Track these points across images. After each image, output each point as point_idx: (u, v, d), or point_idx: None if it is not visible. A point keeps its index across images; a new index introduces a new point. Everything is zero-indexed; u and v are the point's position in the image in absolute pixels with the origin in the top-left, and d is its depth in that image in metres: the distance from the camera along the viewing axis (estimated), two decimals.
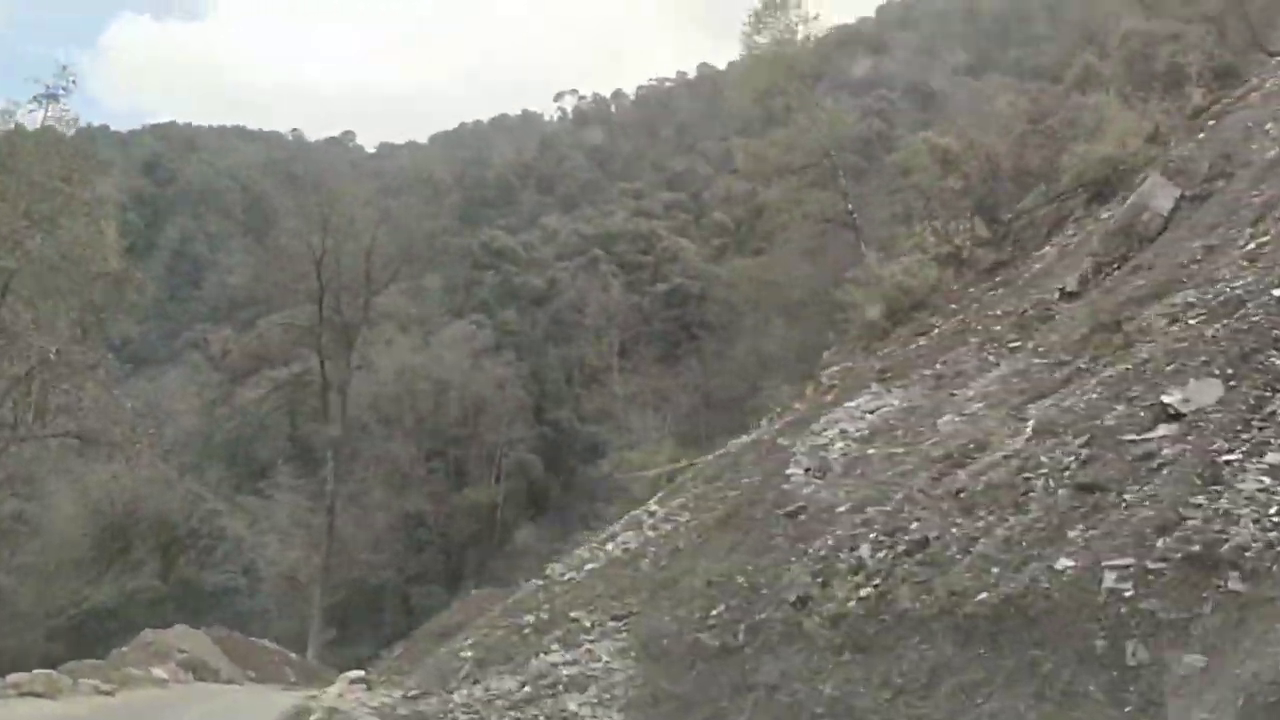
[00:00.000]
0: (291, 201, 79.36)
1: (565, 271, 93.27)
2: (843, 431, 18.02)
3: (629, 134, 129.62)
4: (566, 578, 19.86)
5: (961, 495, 12.05)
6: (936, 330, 22.80)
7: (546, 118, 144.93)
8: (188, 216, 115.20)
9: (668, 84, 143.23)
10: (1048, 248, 24.45)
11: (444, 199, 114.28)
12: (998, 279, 24.20)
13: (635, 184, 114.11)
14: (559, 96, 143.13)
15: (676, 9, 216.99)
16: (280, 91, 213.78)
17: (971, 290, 24.75)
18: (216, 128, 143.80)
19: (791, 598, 12.62)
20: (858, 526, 13.63)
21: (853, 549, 12.87)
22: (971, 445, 13.33)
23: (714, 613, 14.59)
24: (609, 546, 20.67)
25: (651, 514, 21.55)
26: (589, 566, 20.00)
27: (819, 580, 12.71)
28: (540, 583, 20.48)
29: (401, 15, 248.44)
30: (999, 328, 19.24)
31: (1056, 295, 19.52)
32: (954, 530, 11.54)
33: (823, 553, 13.67)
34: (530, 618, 18.77)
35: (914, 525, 12.06)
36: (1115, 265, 19.19)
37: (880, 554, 12.23)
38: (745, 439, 24.77)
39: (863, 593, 11.48)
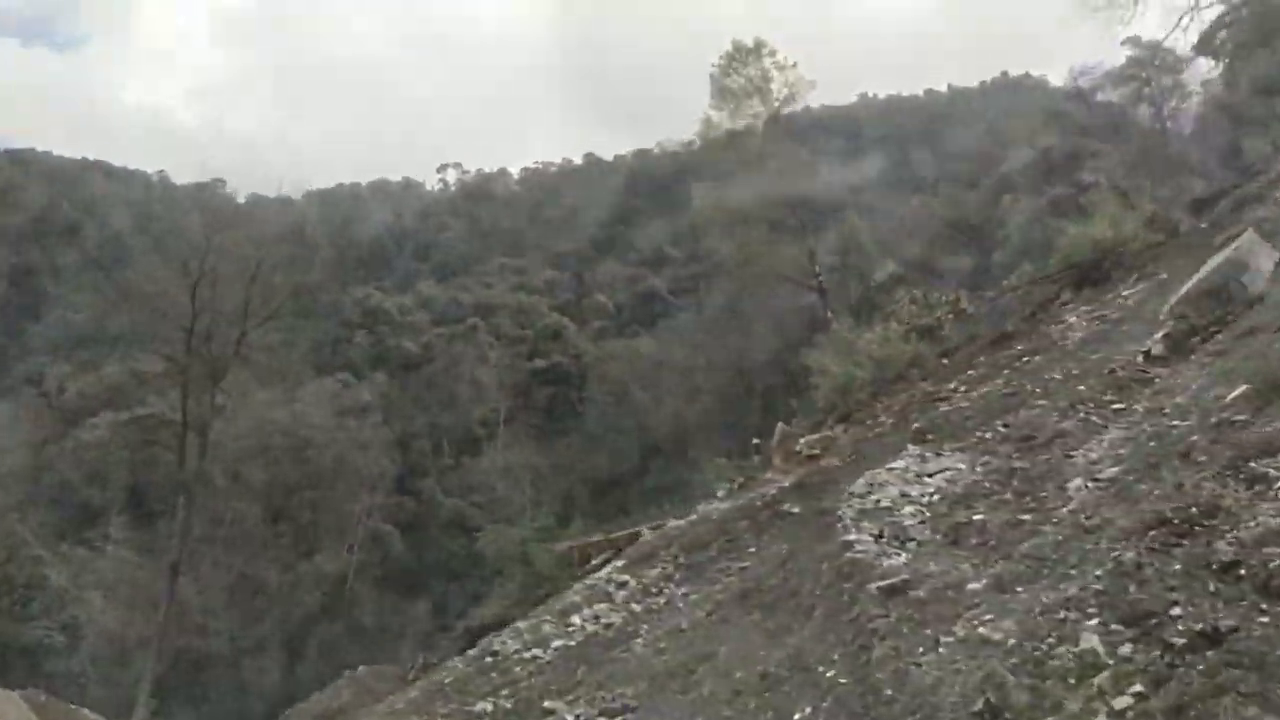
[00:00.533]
0: (151, 240, 73.26)
1: (441, 338, 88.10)
2: (905, 495, 14.08)
3: (512, 212, 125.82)
4: (528, 655, 15.06)
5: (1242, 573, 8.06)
6: (958, 395, 19.15)
7: (428, 187, 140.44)
8: (35, 247, 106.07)
9: (553, 169, 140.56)
10: (1071, 318, 21.24)
11: (315, 255, 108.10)
12: (1018, 348, 20.82)
13: (518, 260, 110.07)
14: (442, 169, 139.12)
15: (564, 99, 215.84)
16: (150, 131, 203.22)
17: (981, 360, 21.35)
18: (78, 160, 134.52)
19: (975, 706, 8.32)
20: (1024, 606, 9.51)
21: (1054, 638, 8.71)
22: (1194, 510, 9.42)
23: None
24: (575, 619, 16.00)
25: (621, 584, 17.00)
26: (557, 643, 15.29)
27: (995, 683, 8.42)
28: (489, 660, 15.61)
29: (282, 69, 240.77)
30: (1082, 389, 15.72)
31: (1140, 358, 16.15)
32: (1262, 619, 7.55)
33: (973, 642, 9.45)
34: (486, 706, 13.95)
35: (1176, 611, 7.95)
36: (1212, 327, 16.03)
37: (1122, 647, 8.09)
38: (719, 506, 20.44)
39: (1119, 702, 7.30)
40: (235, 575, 68.00)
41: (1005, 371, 19.67)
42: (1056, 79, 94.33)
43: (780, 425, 28.04)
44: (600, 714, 13.13)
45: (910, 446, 16.45)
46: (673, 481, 56.37)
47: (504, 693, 14.51)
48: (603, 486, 64.11)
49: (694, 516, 20.44)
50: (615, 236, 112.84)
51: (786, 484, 19.85)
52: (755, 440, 33.51)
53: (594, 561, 29.85)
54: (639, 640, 14.70)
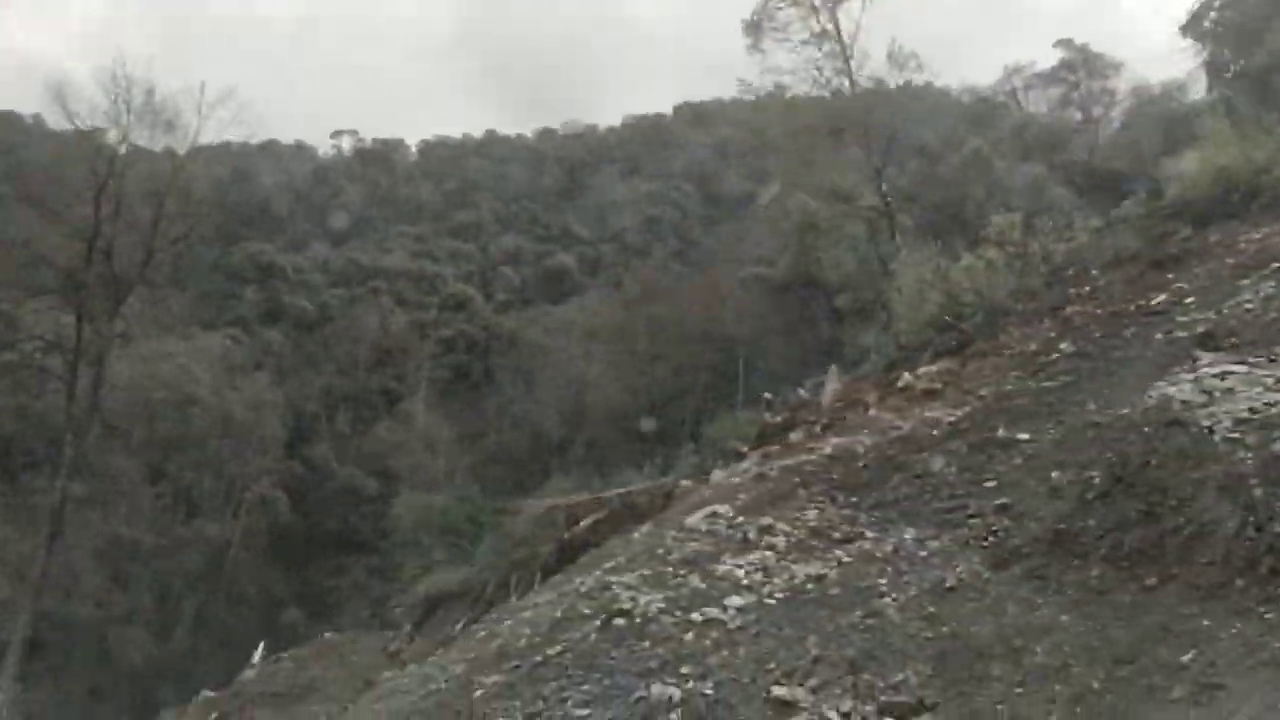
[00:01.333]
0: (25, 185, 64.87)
1: (339, 299, 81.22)
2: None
3: (412, 183, 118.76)
4: (692, 618, 10.18)
5: None
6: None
7: (321, 153, 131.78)
8: None
9: (451, 142, 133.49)
10: (1243, 243, 17.28)
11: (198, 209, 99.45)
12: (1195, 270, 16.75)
13: (418, 228, 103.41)
14: (337, 135, 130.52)
15: (466, 78, 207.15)
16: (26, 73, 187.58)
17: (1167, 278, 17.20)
18: None
19: None
20: None
21: None
22: None
23: None
24: (732, 569, 11.16)
25: (766, 529, 12.17)
26: (736, 601, 10.40)
27: None
28: (620, 623, 10.56)
29: (173, 20, 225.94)
30: None
31: None
32: None
33: None
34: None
35: None
36: None
37: None
38: (784, 461, 15.70)
39: None
40: (107, 536, 60.36)
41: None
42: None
43: (833, 368, 23.75)
44: (882, 713, 8.29)
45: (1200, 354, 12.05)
46: (602, 454, 51.64)
47: (688, 668, 9.49)
48: (520, 457, 58.78)
49: (786, 462, 15.62)
50: (519, 212, 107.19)
51: (905, 425, 15.21)
52: (767, 396, 29.25)
53: (583, 523, 25.36)
54: (888, 601, 9.87)
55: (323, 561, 68.70)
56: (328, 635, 28.47)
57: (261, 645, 34.94)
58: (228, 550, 65.12)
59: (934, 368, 18.50)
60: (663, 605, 11.31)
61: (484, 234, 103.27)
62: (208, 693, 32.02)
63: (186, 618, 62.91)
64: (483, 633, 19.93)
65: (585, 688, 9.67)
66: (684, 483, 23.14)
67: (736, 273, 56.36)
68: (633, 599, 11.60)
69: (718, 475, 24.11)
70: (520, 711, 9.85)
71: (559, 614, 12.61)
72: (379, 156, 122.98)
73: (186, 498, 67.24)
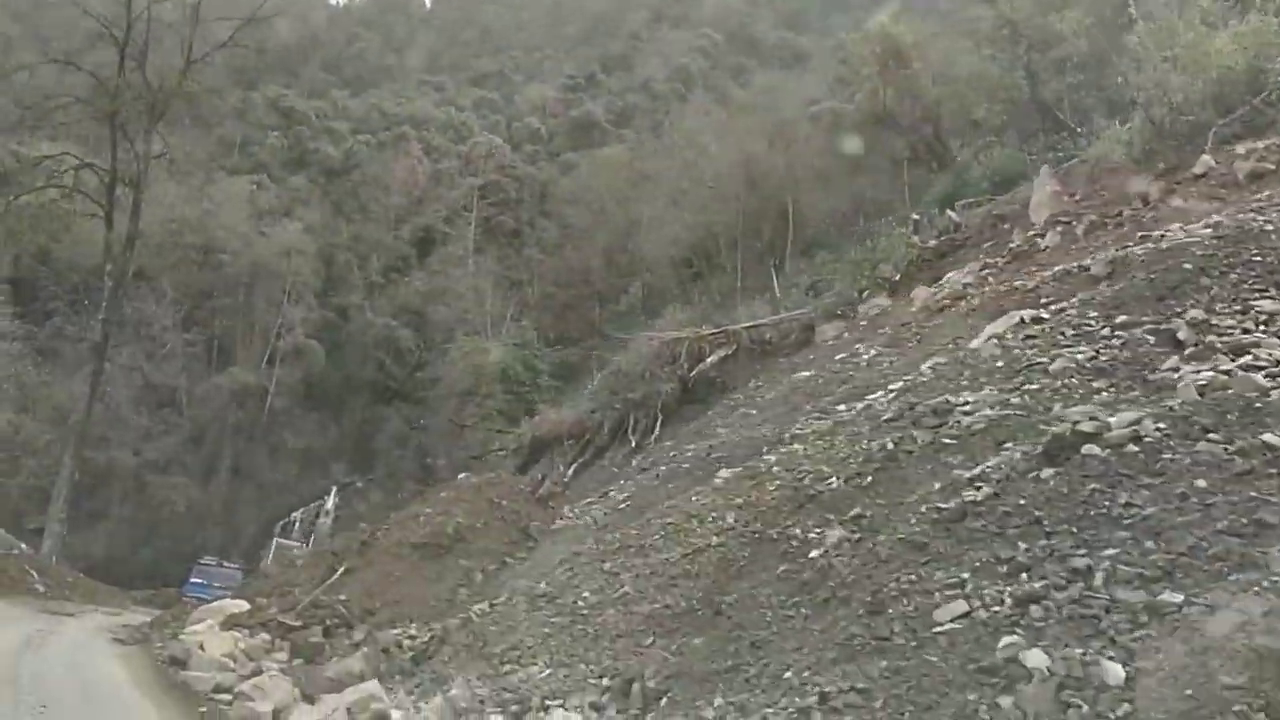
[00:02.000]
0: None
1: (365, 145, 77.20)
2: None
3: (429, 30, 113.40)
4: None
5: None
6: None
7: (333, 1, 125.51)
8: None
9: None
10: None
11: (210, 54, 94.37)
12: None
13: (438, 77, 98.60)
14: None
15: None
16: None
17: None
18: None
19: None
20: None
21: None
22: None
23: None
24: None
25: None
26: None
27: None
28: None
29: None
30: None
31: None
32: None
33: None
34: None
35: None
36: None
37: None
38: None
39: None
40: (142, 383, 57.95)
41: None
42: None
43: (1044, 168, 21.01)
44: None
45: None
46: (657, 302, 48.75)
47: None
48: (569, 304, 55.93)
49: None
50: (542, 61, 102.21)
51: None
52: (914, 217, 26.39)
53: (709, 360, 22.89)
54: None
55: (359, 412, 66.49)
56: (464, 477, 25.82)
57: (335, 491, 32.65)
58: (264, 399, 62.74)
59: (1259, 144, 15.50)
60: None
61: (507, 84, 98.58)
62: (282, 540, 30.03)
63: (225, 466, 60.98)
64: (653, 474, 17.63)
65: None
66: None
67: (776, 117, 52.36)
68: None
69: (876, 304, 21.48)
70: None
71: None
72: (395, 3, 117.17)
73: (219, 346, 64.64)
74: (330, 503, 31.16)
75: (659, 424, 22.87)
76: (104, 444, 55.60)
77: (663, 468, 18.81)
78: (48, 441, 50.52)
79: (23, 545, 33.77)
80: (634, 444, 22.78)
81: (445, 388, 57.85)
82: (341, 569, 17.86)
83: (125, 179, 40.14)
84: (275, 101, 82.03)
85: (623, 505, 17.42)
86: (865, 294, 23.37)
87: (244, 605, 17.27)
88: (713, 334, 24.44)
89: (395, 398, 65.79)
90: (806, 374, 19.92)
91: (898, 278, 23.02)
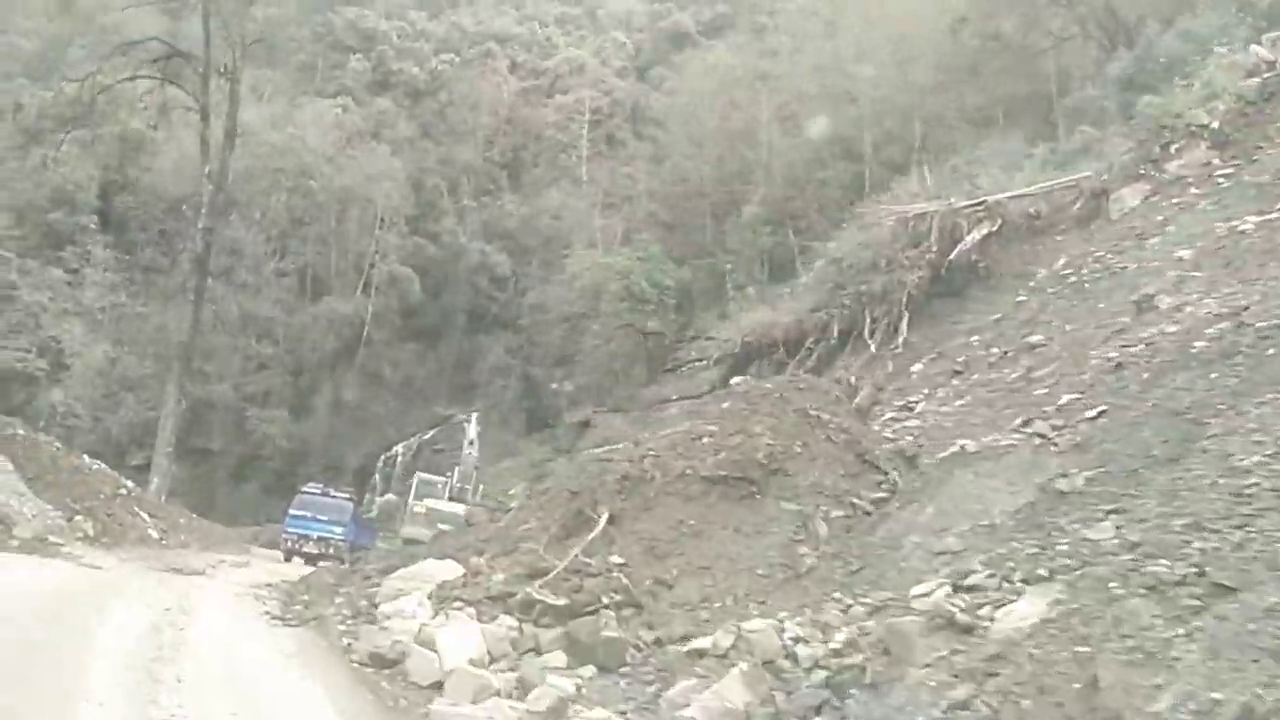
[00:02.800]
0: None
1: (449, 65, 72.52)
2: None
3: None
4: None
5: None
6: None
7: None
8: None
9: None
10: None
11: None
12: None
13: None
14: None
15: None
16: None
17: None
18: None
19: None
20: None
21: None
22: None
23: None
24: None
25: None
26: None
27: None
28: None
29: None
30: None
31: None
32: None
33: None
34: None
35: None
36: None
37: None
38: None
39: None
40: (238, 314, 54.69)
41: None
42: None
43: None
44: None
45: None
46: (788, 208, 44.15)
47: None
48: (675, 221, 51.31)
49: None
50: None
51: None
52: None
53: (968, 239, 18.15)
54: None
55: (457, 342, 62.84)
56: (740, 381, 21.10)
57: (475, 418, 28.61)
58: (361, 330, 59.21)
59: None
60: None
61: None
62: (424, 475, 26.29)
63: (324, 399, 57.79)
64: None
65: None
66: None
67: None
68: None
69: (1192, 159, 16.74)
70: None
71: None
72: None
73: (313, 276, 61.09)
74: (473, 430, 27.10)
75: (905, 321, 18.29)
76: (203, 377, 52.66)
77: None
78: (144, 375, 47.47)
79: (129, 484, 30.38)
80: (873, 348, 18.26)
81: (553, 311, 53.88)
82: (603, 517, 12.60)
83: (220, 69, 36.23)
84: (355, 23, 77.60)
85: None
86: (1175, 147, 18.51)
87: (448, 567, 12.99)
88: (970, 207, 19.49)
89: (494, 326, 62.07)
90: (1105, 253, 15.45)
91: (1215, 125, 18.14)
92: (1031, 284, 17.15)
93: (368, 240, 61.39)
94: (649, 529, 12.39)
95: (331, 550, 30.60)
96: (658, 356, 40.37)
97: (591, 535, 12.10)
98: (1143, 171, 18.35)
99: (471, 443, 26.63)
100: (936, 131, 39.62)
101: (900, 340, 18.00)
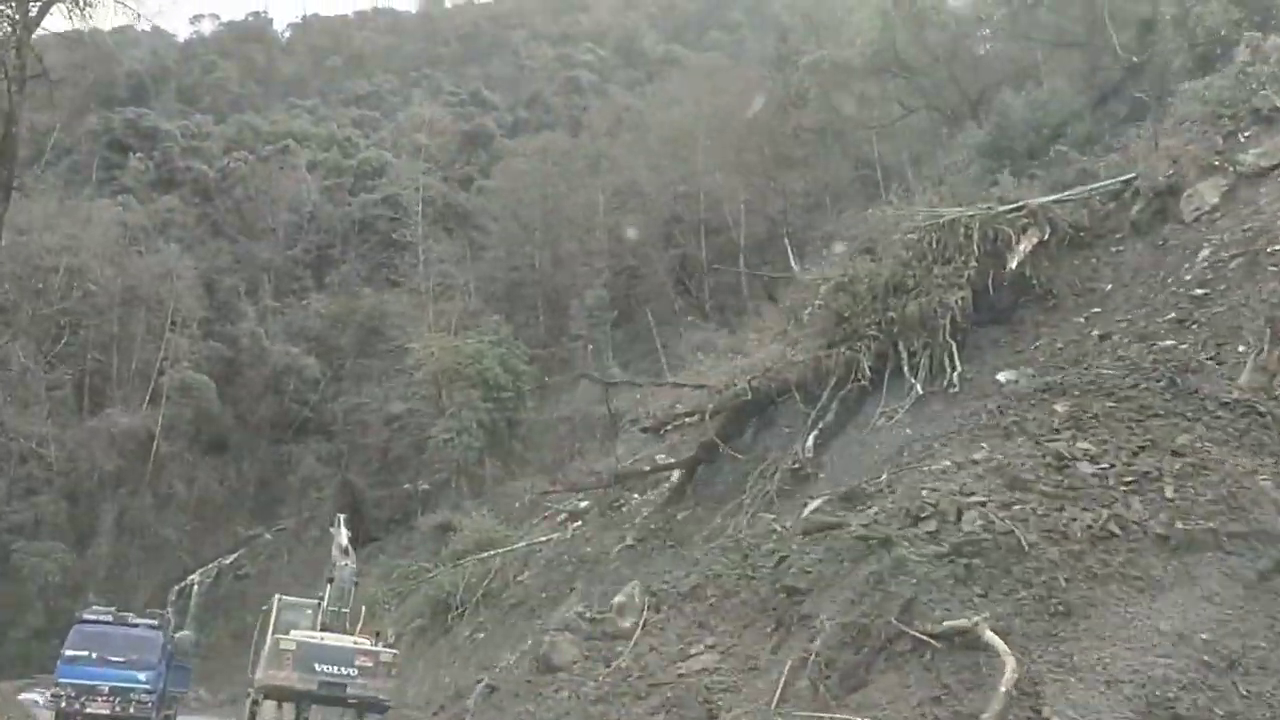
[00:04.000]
0: None
1: (242, 162, 66.56)
2: None
3: (292, 58, 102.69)
4: None
5: None
6: None
7: (181, 39, 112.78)
8: None
9: (326, 18, 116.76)
10: None
11: (57, 92, 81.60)
12: None
13: (308, 100, 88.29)
14: (196, 19, 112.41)
15: None
16: None
17: None
18: None
19: None
20: None
21: None
22: None
23: None
24: None
25: None
26: None
27: None
28: None
29: None
30: None
31: None
32: None
33: None
34: None
35: None
36: None
37: None
38: None
39: None
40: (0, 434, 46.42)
41: None
42: None
43: None
44: None
45: None
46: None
47: None
48: (518, 304, 47.09)
49: None
50: (420, 81, 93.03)
51: None
52: None
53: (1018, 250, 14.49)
54: None
55: (262, 454, 55.79)
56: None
57: (343, 520, 22.75)
58: (149, 445, 51.43)
59: None
60: None
61: (384, 103, 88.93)
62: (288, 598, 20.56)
63: (107, 524, 49.52)
64: None
65: None
66: None
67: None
68: None
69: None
70: None
71: None
72: (252, 32, 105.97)
73: (90, 387, 53.07)
74: (344, 535, 20.98)
75: (955, 352, 14.15)
76: None
77: None
78: None
79: None
80: (918, 388, 13.91)
81: (375, 412, 48.20)
82: None
83: None
84: (134, 123, 70.69)
85: None
86: (1245, 135, 15.68)
87: None
88: (1010, 211, 15.70)
89: (305, 433, 55.37)
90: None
91: None
92: (1094, 304, 13.91)
93: (155, 346, 53.97)
94: None
95: (133, 709, 22.24)
96: (515, 450, 35.76)
97: None
98: (1216, 164, 15.50)
99: (346, 550, 20.40)
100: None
101: (952, 376, 13.96)
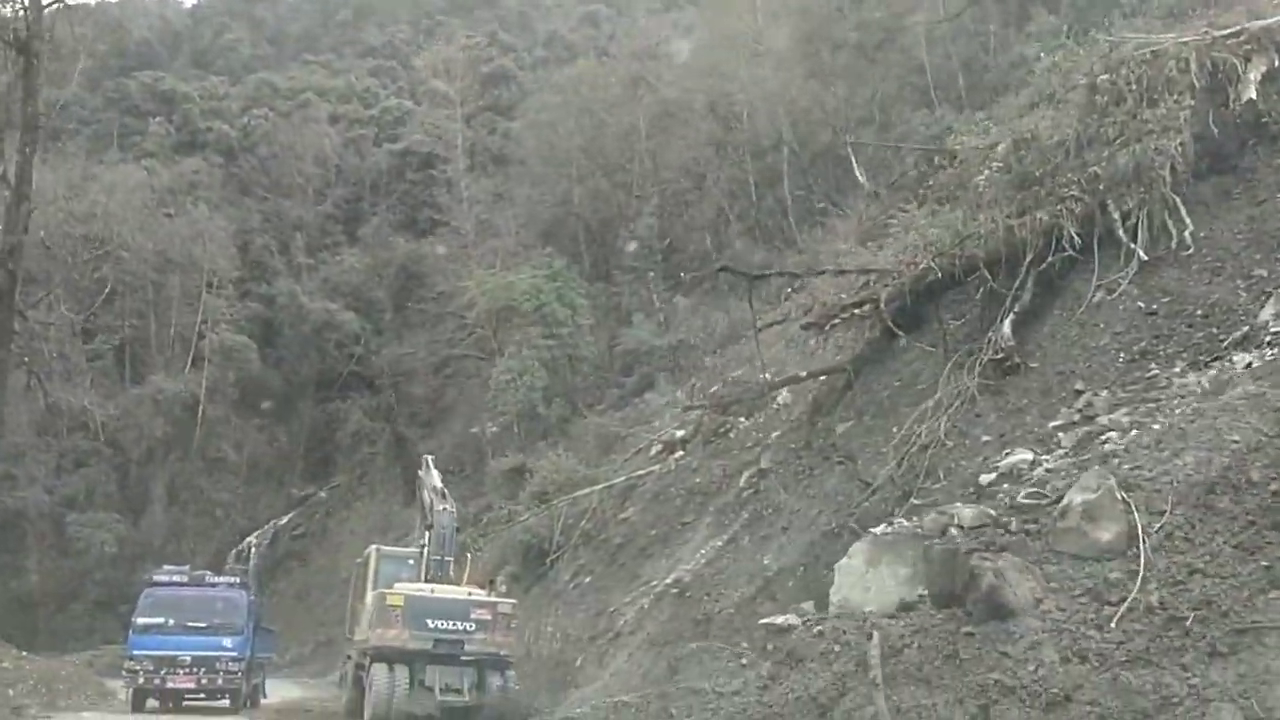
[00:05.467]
0: None
1: (263, 119, 63.84)
2: None
3: (301, 16, 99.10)
4: None
5: None
6: None
7: (188, 4, 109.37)
8: None
9: None
10: None
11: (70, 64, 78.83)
12: None
13: (322, 56, 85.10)
14: None
15: None
16: None
17: None
18: None
19: None
20: None
21: None
22: None
23: None
24: None
25: None
26: None
27: None
28: None
29: None
30: None
31: None
32: None
33: None
34: None
35: None
36: None
37: None
38: None
39: None
40: (43, 407, 44.35)
41: None
42: None
43: None
44: None
45: None
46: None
47: None
48: (561, 239, 44.49)
49: None
50: (433, 29, 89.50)
51: None
52: None
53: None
54: None
55: (309, 413, 53.78)
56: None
57: (430, 460, 20.41)
58: (195, 409, 49.39)
59: None
60: None
61: (399, 53, 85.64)
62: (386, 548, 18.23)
63: (158, 491, 47.70)
64: None
65: None
66: None
67: None
68: None
69: None
70: None
71: None
72: None
73: (131, 355, 51.00)
74: (436, 476, 18.58)
75: (1181, 209, 11.52)
76: (8, 483, 42.18)
77: None
78: None
79: None
80: (1140, 253, 11.32)
81: (420, 362, 46.05)
82: None
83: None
84: (152, 87, 67.89)
85: None
86: None
87: None
88: (1228, 37, 13.06)
89: (350, 389, 53.24)
90: None
91: None
92: None
93: (193, 309, 51.76)
94: None
95: (221, 680, 20.15)
96: (580, 388, 33.38)
97: None
98: None
99: (442, 493, 18.02)
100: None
101: (1184, 234, 11.38)
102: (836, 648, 7.96)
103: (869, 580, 8.30)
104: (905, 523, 9.00)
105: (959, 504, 8.68)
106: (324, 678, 39.06)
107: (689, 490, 19.81)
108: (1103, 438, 8.86)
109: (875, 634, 7.61)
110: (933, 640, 7.62)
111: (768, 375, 15.56)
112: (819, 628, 8.22)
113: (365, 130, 67.88)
